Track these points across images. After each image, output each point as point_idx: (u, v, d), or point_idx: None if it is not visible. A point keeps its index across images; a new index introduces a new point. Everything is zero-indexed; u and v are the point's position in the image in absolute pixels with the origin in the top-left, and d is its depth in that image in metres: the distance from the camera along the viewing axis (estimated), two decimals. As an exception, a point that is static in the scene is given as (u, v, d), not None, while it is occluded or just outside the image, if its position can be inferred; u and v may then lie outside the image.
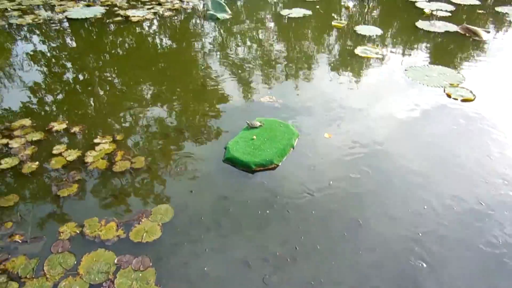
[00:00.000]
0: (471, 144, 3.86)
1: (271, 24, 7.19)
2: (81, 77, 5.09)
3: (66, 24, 6.75)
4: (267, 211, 3.03)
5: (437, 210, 3.07)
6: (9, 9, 7.27)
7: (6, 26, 6.54)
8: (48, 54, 5.73)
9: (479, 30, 6.69)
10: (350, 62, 5.64)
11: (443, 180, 3.40)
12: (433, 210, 3.06)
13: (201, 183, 3.33)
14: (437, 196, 3.20)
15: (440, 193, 3.24)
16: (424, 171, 3.49)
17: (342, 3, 8.61)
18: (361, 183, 3.35)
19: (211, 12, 7.20)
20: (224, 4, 7.55)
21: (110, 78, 5.07)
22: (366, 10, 8.34)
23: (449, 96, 4.71)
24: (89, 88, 4.83)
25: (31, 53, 5.77)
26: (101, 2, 7.86)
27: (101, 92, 4.76)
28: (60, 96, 4.59)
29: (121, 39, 6.30)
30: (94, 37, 6.51)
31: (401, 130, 4.12)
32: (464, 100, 4.62)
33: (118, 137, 3.80)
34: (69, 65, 5.41)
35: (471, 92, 4.77)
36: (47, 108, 4.35)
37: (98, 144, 3.70)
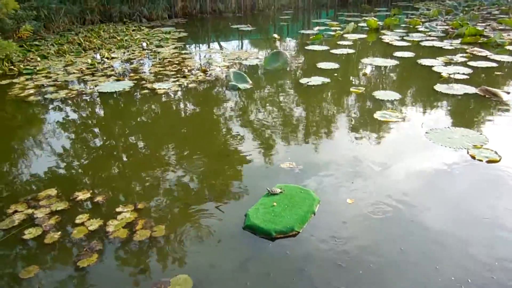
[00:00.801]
0: (505, 205, 3.70)
1: (291, 92, 7.42)
2: (107, 144, 5.29)
3: (96, 96, 7.16)
4: (289, 286, 2.91)
5: (481, 279, 2.88)
6: (45, 84, 7.81)
7: (42, 100, 6.99)
8: (78, 122, 6.03)
9: (499, 92, 6.69)
10: (369, 126, 5.67)
11: (479, 244, 3.23)
12: (473, 279, 2.87)
13: (221, 252, 3.26)
14: (476, 263, 3.02)
15: (479, 260, 3.05)
16: (459, 236, 3.33)
17: (360, 68, 8.87)
18: (389, 252, 3.20)
19: (233, 82, 7.53)
20: (245, 75, 7.91)
21: (134, 144, 5.24)
22: (383, 75, 8.54)
23: (473, 157, 4.62)
24: (114, 153, 5.01)
25: (62, 121, 6.10)
26: (129, 76, 8.37)
27: (125, 159, 4.91)
28: (85, 163, 4.74)
29: (146, 107, 6.61)
30: (122, 105, 6.88)
31: (428, 192, 4.00)
32: (489, 161, 4.51)
33: (140, 206, 3.83)
34: (96, 133, 5.66)
35: (496, 153, 4.67)
36: (72, 175, 4.48)
37: (120, 213, 3.74)
